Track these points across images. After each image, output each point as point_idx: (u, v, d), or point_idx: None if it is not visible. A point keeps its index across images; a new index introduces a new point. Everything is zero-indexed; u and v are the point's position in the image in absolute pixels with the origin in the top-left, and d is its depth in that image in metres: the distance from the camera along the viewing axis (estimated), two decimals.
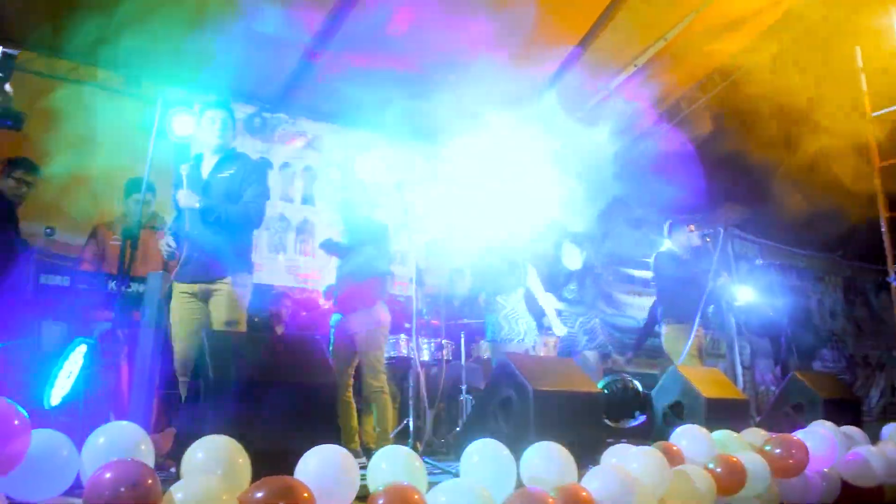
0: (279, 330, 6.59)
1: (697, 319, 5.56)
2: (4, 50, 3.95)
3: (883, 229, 6.64)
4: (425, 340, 6.54)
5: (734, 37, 7.81)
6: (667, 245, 6.31)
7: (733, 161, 8.53)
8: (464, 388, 6.65)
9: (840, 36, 7.18)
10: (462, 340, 6.75)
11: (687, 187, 8.08)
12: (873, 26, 6.89)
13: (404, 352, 6.47)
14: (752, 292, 7.13)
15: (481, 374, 7.14)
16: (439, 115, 8.05)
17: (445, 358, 6.55)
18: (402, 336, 6.48)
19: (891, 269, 6.49)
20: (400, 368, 7.01)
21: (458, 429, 6.60)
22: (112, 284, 4.09)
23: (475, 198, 7.76)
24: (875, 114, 6.79)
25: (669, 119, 8.85)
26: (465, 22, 6.95)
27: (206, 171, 4.39)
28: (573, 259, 6.62)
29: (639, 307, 8.88)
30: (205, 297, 3.98)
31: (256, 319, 6.15)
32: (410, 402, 6.40)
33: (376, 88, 7.34)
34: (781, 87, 7.45)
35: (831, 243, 11.81)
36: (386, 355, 6.44)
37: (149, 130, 7.24)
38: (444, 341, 6.62)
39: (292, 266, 7.69)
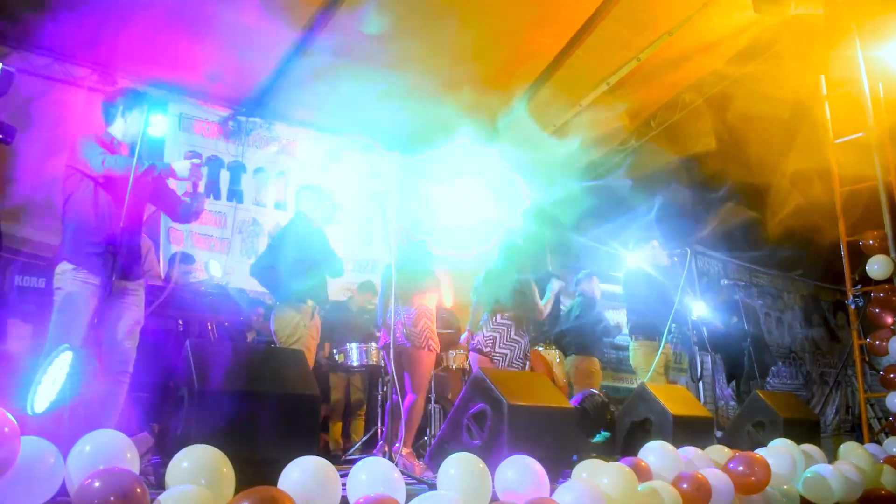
0: (250, 336, 6.58)
1: (665, 336, 5.70)
2: (5, 67, 3.87)
3: (843, 252, 6.82)
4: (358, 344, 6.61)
5: (705, 60, 8.01)
6: (637, 262, 6.44)
7: (699, 179, 8.75)
8: (433, 397, 6.71)
9: (805, 63, 7.39)
10: None
11: (654, 204, 8.27)
12: (837, 55, 7.11)
13: (374, 360, 6.51)
14: (713, 309, 7.30)
15: (448, 383, 7.22)
16: (413, 124, 8.15)
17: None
18: (373, 345, 6.53)
19: (849, 292, 6.68)
20: (369, 377, 7.06)
21: (425, 437, 6.65)
22: None
23: (446, 207, 7.84)
24: (837, 141, 6.99)
25: (639, 137, 9.03)
26: (441, 34, 7.04)
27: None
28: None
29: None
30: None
31: (227, 325, 6.13)
32: (379, 411, 6.45)
33: (351, 96, 7.39)
34: (748, 110, 7.66)
35: (790, 263, 12.12)
36: (357, 363, 6.51)
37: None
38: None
39: None
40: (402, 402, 5.01)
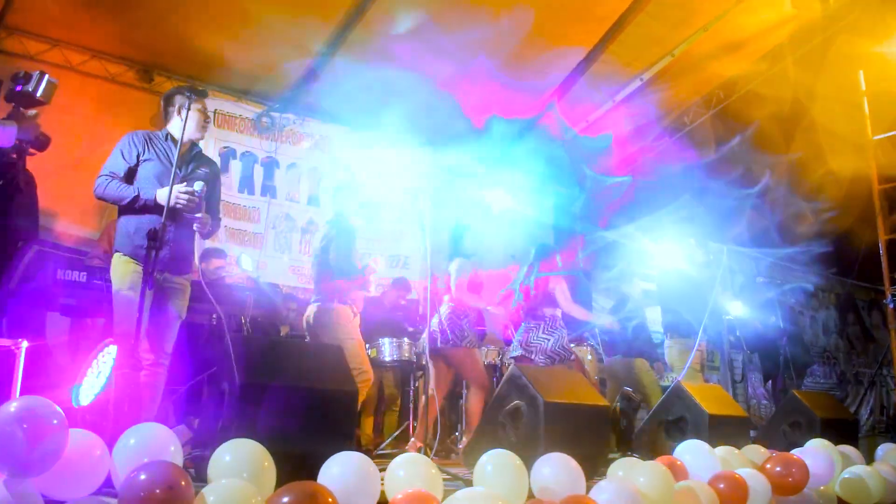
0: (284, 331, 6.64)
1: (700, 334, 5.66)
2: (49, 79, 3.91)
3: (882, 251, 6.72)
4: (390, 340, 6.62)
5: (740, 56, 7.91)
6: (672, 259, 6.39)
7: (735, 177, 8.64)
8: (465, 392, 6.71)
9: (844, 59, 7.28)
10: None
11: (690, 200, 8.20)
12: (876, 51, 7.00)
13: (406, 355, 6.53)
14: (749, 307, 7.23)
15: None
16: (445, 120, 8.16)
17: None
18: (406, 339, 6.55)
19: (888, 291, 6.58)
20: (402, 371, 7.08)
21: (456, 433, 6.67)
22: None
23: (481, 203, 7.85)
24: (876, 137, 6.88)
25: (673, 133, 8.95)
26: (474, 30, 7.03)
27: (179, 162, 4.16)
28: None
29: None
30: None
31: (260, 319, 6.20)
32: (411, 406, 6.47)
33: (383, 91, 7.41)
34: (785, 107, 7.56)
35: (826, 261, 11.94)
36: (389, 358, 6.53)
37: (159, 124, 7.33)
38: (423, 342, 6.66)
39: (296, 266, 7.76)
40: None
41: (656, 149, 9.02)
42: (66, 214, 6.77)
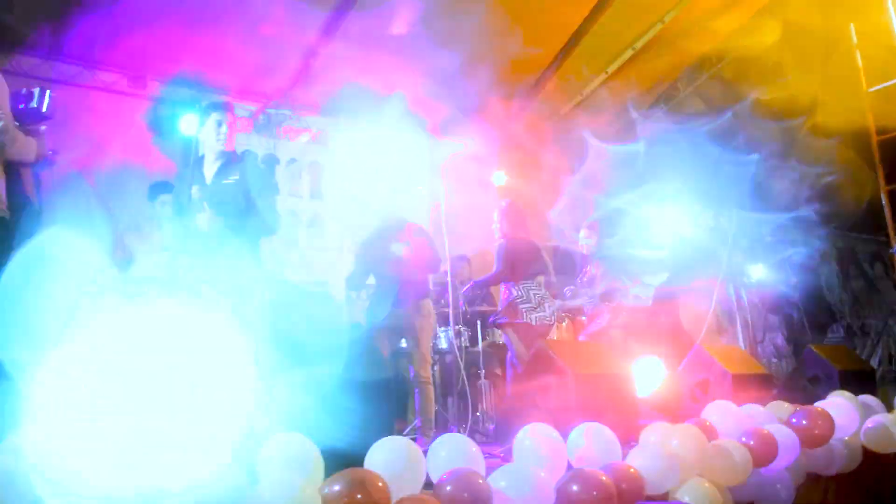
0: None
1: (715, 297, 5.72)
2: (50, 93, 3.93)
3: (883, 202, 6.77)
4: (442, 329, 6.65)
5: (730, 17, 7.92)
6: (682, 226, 6.45)
7: (731, 139, 8.67)
8: (482, 373, 6.77)
9: (833, 13, 7.30)
10: (479, 327, 6.86)
11: (687, 168, 8.23)
12: (866, 3, 7.03)
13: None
14: (761, 268, 7.30)
15: (496, 359, 7.27)
16: (442, 109, 8.19)
17: (463, 345, 6.65)
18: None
19: (892, 240, 6.64)
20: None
21: (477, 413, 6.73)
22: None
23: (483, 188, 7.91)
24: (871, 89, 6.93)
25: (666, 101, 8.97)
26: (467, 16, 7.01)
27: (209, 174, 4.27)
28: (588, 244, 6.71)
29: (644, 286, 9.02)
30: None
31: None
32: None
33: (378, 82, 7.41)
34: (777, 65, 7.59)
35: (826, 216, 12.00)
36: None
37: (156, 130, 7.33)
38: (460, 328, 6.72)
39: (305, 261, 7.79)
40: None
41: (651, 117, 9.03)
42: None
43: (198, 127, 4.20)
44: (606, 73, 8.52)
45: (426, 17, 6.76)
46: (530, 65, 8.29)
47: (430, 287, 5.58)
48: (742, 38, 8.16)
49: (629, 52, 8.20)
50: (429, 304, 5.45)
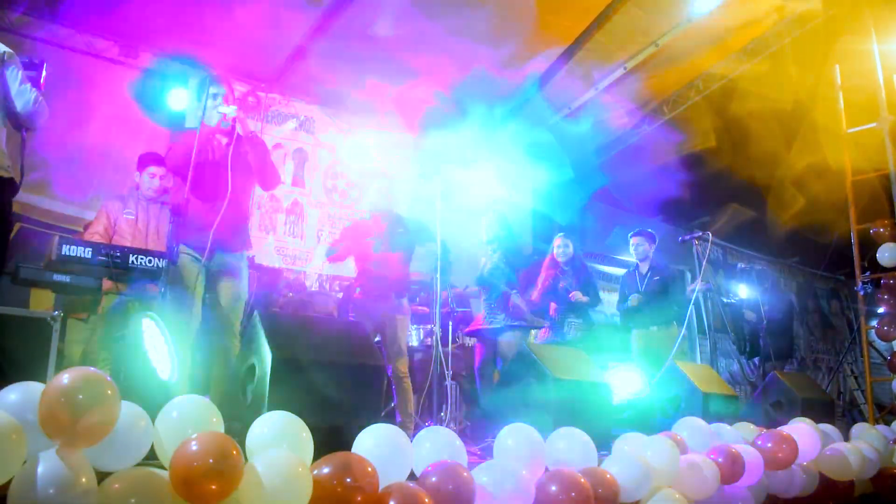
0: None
1: (686, 322, 5.83)
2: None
3: (853, 240, 6.97)
4: (415, 326, 6.68)
5: (721, 48, 8.10)
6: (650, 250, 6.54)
7: (707, 166, 8.85)
8: (449, 374, 6.79)
9: (820, 55, 7.49)
10: (450, 328, 6.88)
11: (663, 188, 8.40)
12: (852, 48, 7.22)
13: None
14: (735, 292, 7.47)
15: (463, 361, 7.32)
16: (430, 104, 8.20)
17: (434, 344, 6.68)
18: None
19: (858, 278, 6.83)
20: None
21: (441, 413, 6.76)
22: (133, 258, 4.07)
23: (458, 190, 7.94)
24: (850, 130, 7.11)
25: (653, 121, 9.12)
26: (460, 16, 7.07)
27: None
28: (563, 252, 6.75)
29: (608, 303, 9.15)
30: None
31: (251, 300, 6.21)
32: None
33: (369, 75, 7.43)
34: (761, 99, 7.77)
35: (788, 250, 12.32)
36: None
37: (144, 101, 7.23)
38: (434, 328, 6.75)
39: (281, 247, 7.76)
40: None
41: (636, 136, 9.19)
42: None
43: (192, 100, 4.16)
44: (597, 88, 8.63)
45: (418, 16, 6.79)
46: (521, 76, 8.36)
47: (409, 286, 5.59)
48: (725, 72, 8.35)
49: (621, 71, 8.31)
50: (406, 301, 5.48)
